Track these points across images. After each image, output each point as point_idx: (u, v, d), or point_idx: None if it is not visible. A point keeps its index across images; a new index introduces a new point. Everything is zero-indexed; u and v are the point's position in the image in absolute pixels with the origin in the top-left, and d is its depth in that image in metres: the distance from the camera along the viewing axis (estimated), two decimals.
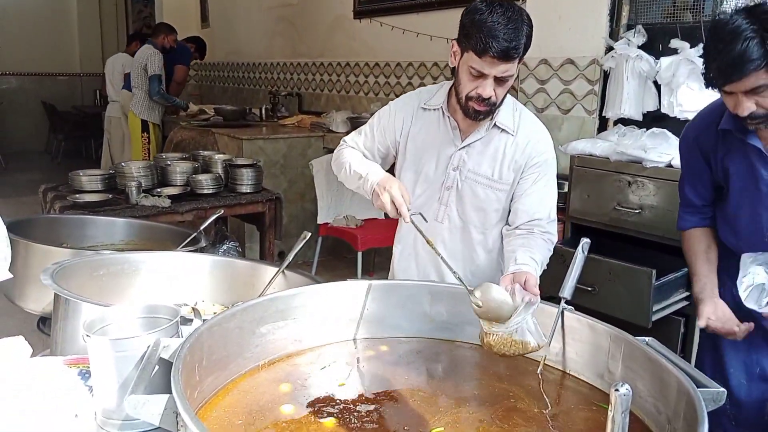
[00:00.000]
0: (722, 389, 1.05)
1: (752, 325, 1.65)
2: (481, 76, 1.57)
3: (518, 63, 1.59)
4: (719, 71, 1.44)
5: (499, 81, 1.59)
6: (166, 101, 6.02)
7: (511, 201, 1.77)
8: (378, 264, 4.41)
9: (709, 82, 1.48)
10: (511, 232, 1.74)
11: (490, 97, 1.59)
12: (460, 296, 1.39)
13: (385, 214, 1.63)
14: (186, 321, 1.28)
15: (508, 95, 1.73)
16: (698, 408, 0.96)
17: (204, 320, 1.20)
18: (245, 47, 7.45)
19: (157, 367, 1.04)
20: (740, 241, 1.70)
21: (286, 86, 6.71)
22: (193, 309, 1.60)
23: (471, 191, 1.76)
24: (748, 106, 1.45)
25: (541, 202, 1.73)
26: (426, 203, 1.81)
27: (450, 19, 4.46)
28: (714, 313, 1.67)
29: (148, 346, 1.09)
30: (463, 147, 1.74)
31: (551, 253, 1.70)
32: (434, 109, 1.77)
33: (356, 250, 3.87)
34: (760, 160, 1.60)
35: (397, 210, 1.55)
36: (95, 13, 10.77)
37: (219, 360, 1.20)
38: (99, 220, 2.49)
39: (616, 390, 0.71)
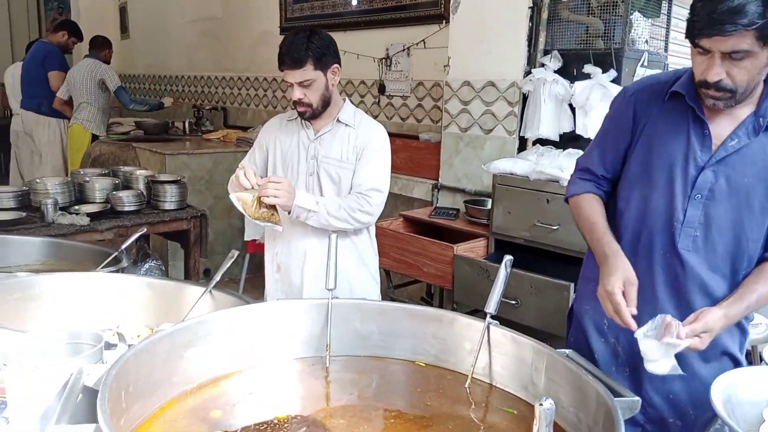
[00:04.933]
0: (637, 398, 1.12)
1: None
2: None
3: None
4: (707, 21, 1.32)
5: None
6: (143, 105, 5.83)
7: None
8: None
9: (690, 33, 1.37)
10: None
11: None
12: (390, 313, 1.45)
13: None
14: (110, 346, 1.24)
15: (349, 102, 2.21)
16: (615, 417, 1.02)
17: (129, 345, 1.17)
18: (167, 60, 7.27)
19: (81, 396, 1.01)
20: (643, 225, 1.57)
21: (211, 100, 6.59)
22: (117, 333, 1.55)
23: (326, 173, 2.18)
24: (718, 72, 1.36)
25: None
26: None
27: (376, 39, 4.57)
28: (621, 283, 1.44)
29: (71, 374, 1.05)
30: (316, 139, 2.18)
31: (359, 205, 2.09)
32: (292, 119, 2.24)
33: None
34: (698, 136, 1.48)
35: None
36: (4, 17, 10.20)
37: (146, 386, 1.17)
38: (12, 240, 2.35)
39: (540, 404, 0.76)
